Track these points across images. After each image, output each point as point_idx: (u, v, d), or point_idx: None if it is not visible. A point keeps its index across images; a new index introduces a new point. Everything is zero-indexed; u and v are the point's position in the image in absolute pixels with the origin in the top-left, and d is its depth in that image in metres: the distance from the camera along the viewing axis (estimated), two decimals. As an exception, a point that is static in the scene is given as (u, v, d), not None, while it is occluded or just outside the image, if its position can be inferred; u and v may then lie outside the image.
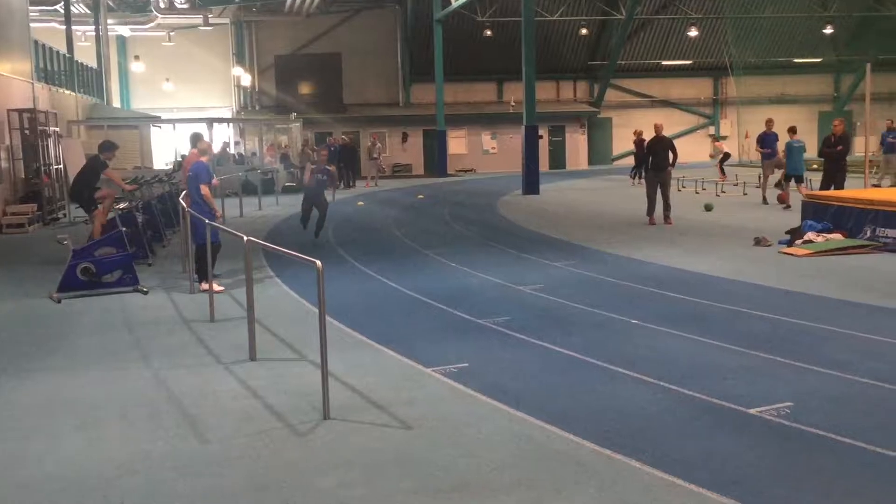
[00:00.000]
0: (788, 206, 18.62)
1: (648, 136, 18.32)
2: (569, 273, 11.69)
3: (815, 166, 19.23)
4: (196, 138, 11.90)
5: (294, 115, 35.23)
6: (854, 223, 13.29)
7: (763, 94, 41.54)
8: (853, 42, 42.19)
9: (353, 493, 4.68)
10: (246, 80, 38.99)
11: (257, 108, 40.06)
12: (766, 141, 20.62)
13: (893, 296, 9.50)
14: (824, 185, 17.74)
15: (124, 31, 38.19)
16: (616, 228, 16.66)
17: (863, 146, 20.63)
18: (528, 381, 6.65)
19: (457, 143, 39.98)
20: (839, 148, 17.94)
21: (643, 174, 20.34)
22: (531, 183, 25.69)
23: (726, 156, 29.64)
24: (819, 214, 13.94)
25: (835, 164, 17.96)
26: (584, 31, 40.47)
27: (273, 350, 7.81)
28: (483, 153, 41.07)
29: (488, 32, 38.60)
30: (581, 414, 5.83)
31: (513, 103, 38.56)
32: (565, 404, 6.05)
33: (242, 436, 5.60)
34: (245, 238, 7.41)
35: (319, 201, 15.52)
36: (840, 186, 17.52)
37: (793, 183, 19.34)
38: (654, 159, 17.11)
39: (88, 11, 34.63)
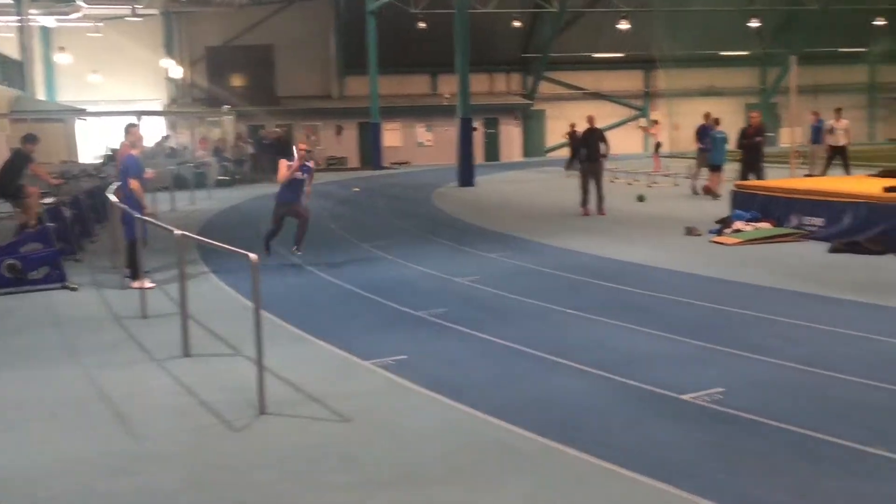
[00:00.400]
0: (717, 196, 18.98)
1: (582, 128, 18.49)
2: (504, 264, 11.76)
3: (739, 158, 19.71)
4: (128, 129, 11.57)
5: (226, 107, 34.72)
6: (781, 212, 13.61)
7: (692, 86, 42.17)
8: (779, 35, 43.16)
9: (290, 488, 4.65)
10: (176, 72, 38.21)
11: (189, 100, 39.36)
12: (704, 133, 20.94)
13: (819, 282, 9.77)
14: (743, 176, 18.12)
15: (49, 21, 37.12)
16: (550, 219, 16.80)
17: (789, 137, 21.14)
18: (465, 373, 6.68)
19: (391, 135, 39.86)
20: (758, 139, 18.37)
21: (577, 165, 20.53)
22: (466, 175, 25.76)
23: (658, 144, 30.03)
24: (747, 204, 14.25)
25: (753, 154, 18.39)
26: (517, 24, 40.64)
27: (207, 346, 7.70)
28: (418, 145, 41.04)
29: (422, 24, 38.50)
30: (518, 404, 5.87)
31: (447, 95, 38.56)
32: (502, 395, 6.09)
33: (177, 433, 5.52)
34: (176, 232, 7.28)
35: (299, 207, 12.29)
36: (760, 177, 17.93)
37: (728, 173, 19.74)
38: (587, 150, 17.32)
39: (10, 1, 33.57)
